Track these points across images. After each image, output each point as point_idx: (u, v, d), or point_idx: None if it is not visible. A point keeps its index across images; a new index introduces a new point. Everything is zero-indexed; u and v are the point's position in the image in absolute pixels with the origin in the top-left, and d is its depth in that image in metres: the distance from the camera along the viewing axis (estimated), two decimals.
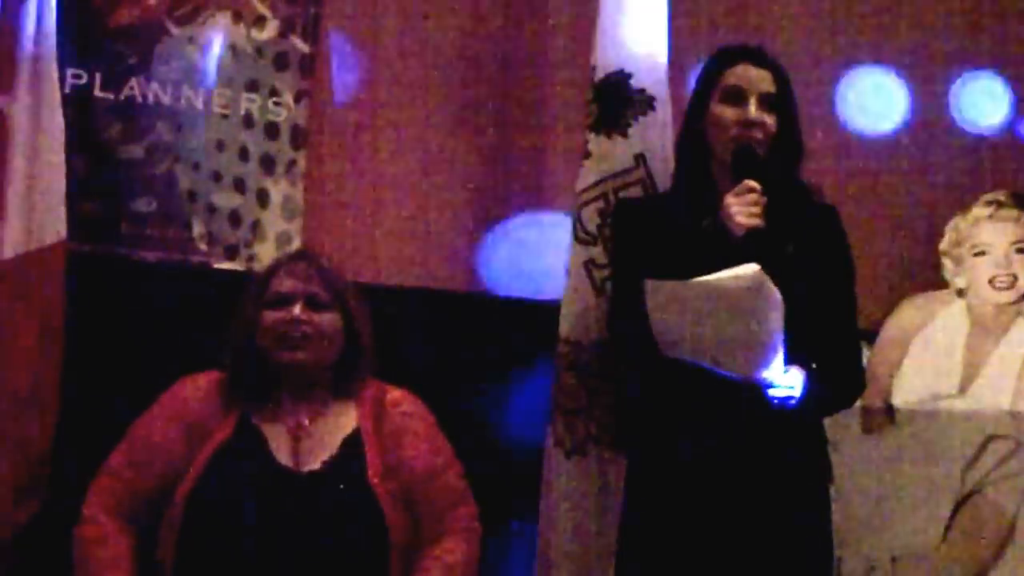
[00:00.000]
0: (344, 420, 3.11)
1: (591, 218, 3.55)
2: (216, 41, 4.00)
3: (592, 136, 3.58)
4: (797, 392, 3.03)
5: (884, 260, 4.25)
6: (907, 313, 3.93)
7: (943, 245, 3.91)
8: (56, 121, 3.59)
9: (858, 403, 3.62)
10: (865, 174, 4.37)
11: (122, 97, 3.94)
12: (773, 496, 3.07)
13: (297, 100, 4.06)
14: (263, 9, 4.04)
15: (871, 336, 3.86)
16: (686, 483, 3.09)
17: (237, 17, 4.02)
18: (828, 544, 3.20)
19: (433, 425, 3.17)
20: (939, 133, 4.44)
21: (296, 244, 4.01)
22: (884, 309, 3.97)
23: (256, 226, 4.01)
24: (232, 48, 4.02)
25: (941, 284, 3.94)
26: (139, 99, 3.94)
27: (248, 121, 4.02)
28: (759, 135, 3.14)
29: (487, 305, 4.13)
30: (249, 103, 4.02)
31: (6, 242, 3.54)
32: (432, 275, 4.14)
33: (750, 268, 2.93)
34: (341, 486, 3.02)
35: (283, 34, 4.06)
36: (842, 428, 3.73)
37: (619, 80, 3.57)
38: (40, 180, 3.57)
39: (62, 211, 3.60)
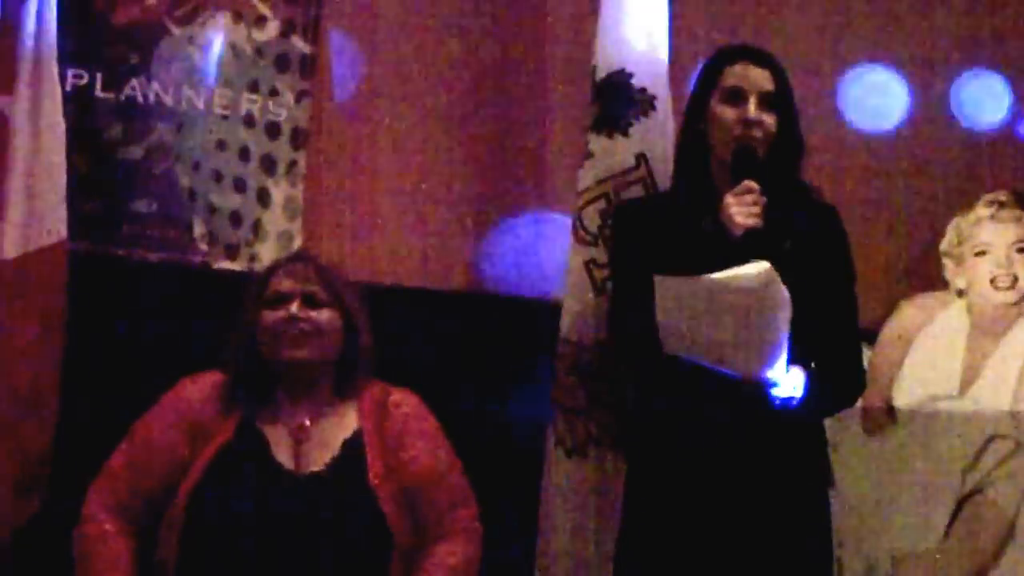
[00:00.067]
0: (345, 421, 3.11)
1: (592, 218, 3.55)
2: (217, 41, 4.00)
3: (593, 136, 3.58)
4: (798, 392, 3.03)
5: (884, 260, 4.25)
6: (907, 313, 3.93)
7: (944, 245, 3.91)
8: (57, 121, 3.58)
9: (858, 403, 3.62)
10: (865, 174, 4.37)
11: (123, 97, 3.93)
12: (773, 497, 3.08)
13: (298, 100, 4.06)
14: (264, 9, 4.04)
15: (871, 336, 3.85)
16: (686, 483, 3.10)
17: (238, 17, 4.02)
18: (828, 544, 3.20)
19: (435, 426, 3.17)
20: (939, 133, 4.43)
21: (297, 244, 4.01)
22: (884, 309, 3.97)
23: (257, 226, 4.01)
24: (233, 48, 4.01)
25: (942, 284, 3.94)
26: (140, 99, 3.94)
27: (249, 121, 4.02)
28: (759, 134, 3.15)
29: (487, 305, 4.13)
30: (250, 103, 4.02)
31: (7, 242, 3.54)
32: (432, 275, 4.14)
33: (760, 266, 2.94)
34: (342, 488, 3.02)
35: (284, 34, 4.06)
36: (842, 428, 3.73)
37: (620, 80, 3.57)
38: (41, 180, 3.57)
39: (63, 211, 3.59)
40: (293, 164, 4.05)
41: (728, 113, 3.17)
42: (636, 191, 3.52)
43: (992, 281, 3.79)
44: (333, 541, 2.98)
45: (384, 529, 3.02)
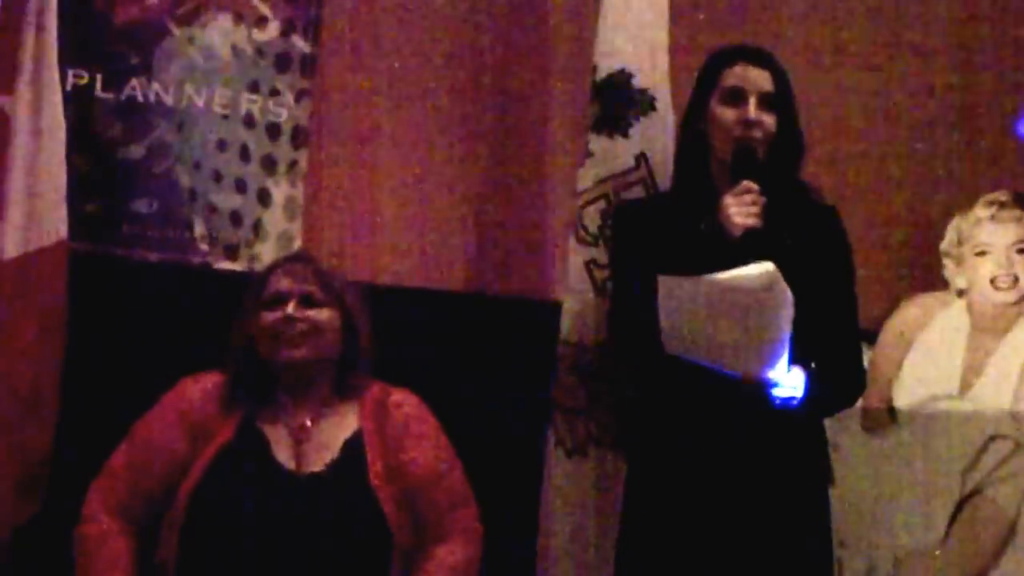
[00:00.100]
0: (346, 421, 3.12)
1: (592, 218, 3.55)
2: (217, 41, 4.00)
3: (593, 136, 3.58)
4: (799, 392, 3.04)
5: (884, 260, 4.25)
6: (908, 313, 3.93)
7: (944, 245, 3.91)
8: (57, 121, 3.59)
9: (859, 403, 3.62)
10: (865, 174, 4.36)
11: (123, 97, 3.93)
12: (773, 496, 3.08)
13: (298, 100, 4.06)
14: (264, 9, 4.04)
15: (872, 336, 3.86)
16: (686, 483, 3.10)
17: (238, 17, 4.02)
18: (828, 544, 3.21)
19: (435, 427, 3.18)
20: (939, 133, 4.43)
21: (297, 244, 4.01)
22: (885, 309, 3.97)
23: (257, 226, 4.01)
24: (233, 48, 4.01)
25: (942, 284, 3.94)
26: (140, 99, 3.94)
27: (249, 121, 4.02)
28: (758, 135, 3.15)
29: (487, 305, 4.13)
30: (250, 103, 4.02)
31: (7, 242, 3.54)
32: (432, 275, 4.14)
33: (764, 267, 2.94)
34: (342, 488, 3.02)
35: (284, 34, 4.06)
36: (843, 428, 3.73)
37: (620, 80, 3.57)
38: (41, 180, 3.57)
39: (63, 211, 3.59)
40: (293, 164, 4.05)
41: (728, 114, 3.17)
42: (636, 191, 3.52)
43: (992, 281, 3.79)
44: (333, 541, 2.98)
45: (384, 529, 3.02)
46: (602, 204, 3.54)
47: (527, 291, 4.15)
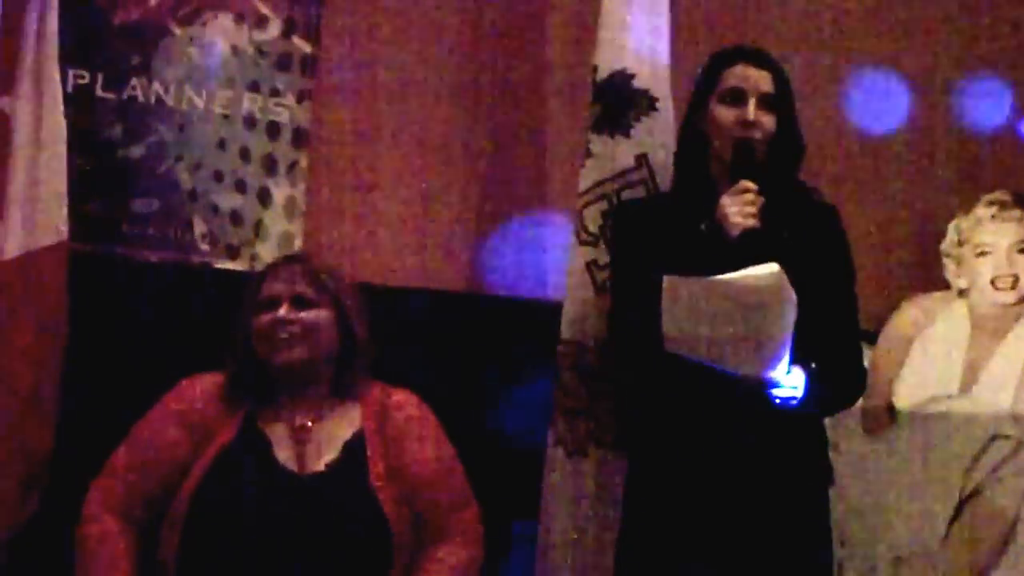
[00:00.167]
0: (347, 422, 3.12)
1: (593, 219, 3.55)
2: (218, 41, 4.00)
3: (594, 136, 3.58)
4: (799, 392, 3.04)
5: (885, 260, 4.25)
6: (908, 314, 3.93)
7: (944, 246, 3.91)
8: (58, 121, 3.58)
9: (859, 404, 3.62)
10: (865, 174, 4.36)
11: (124, 97, 3.93)
12: (773, 496, 3.08)
13: (299, 100, 4.06)
14: (265, 9, 4.04)
15: (872, 337, 3.85)
16: (686, 483, 3.10)
17: (239, 17, 4.02)
18: (828, 544, 3.21)
19: (436, 428, 3.18)
20: (939, 133, 4.43)
21: (298, 244, 4.01)
22: (885, 310, 3.97)
23: (258, 226, 4.01)
24: (234, 48, 4.01)
25: (943, 285, 3.94)
26: (141, 99, 3.94)
27: (250, 121, 4.02)
28: (758, 135, 3.16)
29: (487, 305, 4.13)
30: (251, 103, 4.02)
31: (8, 242, 3.54)
32: (432, 275, 4.13)
33: (771, 268, 2.95)
34: (343, 488, 3.02)
35: (285, 34, 4.06)
36: (843, 429, 3.73)
37: (621, 80, 3.57)
38: (42, 180, 3.57)
39: (64, 211, 3.59)
40: (294, 164, 4.05)
41: (727, 114, 3.17)
42: (637, 192, 3.53)
43: (993, 282, 3.79)
44: (334, 541, 2.98)
45: (385, 530, 3.02)
46: (603, 204, 3.54)
47: (527, 291, 4.15)
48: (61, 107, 3.59)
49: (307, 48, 4.07)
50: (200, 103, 3.98)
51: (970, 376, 3.81)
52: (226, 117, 4.00)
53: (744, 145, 3.14)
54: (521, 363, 3.82)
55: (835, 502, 3.27)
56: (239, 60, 4.02)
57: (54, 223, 3.58)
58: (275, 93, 4.04)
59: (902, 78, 4.40)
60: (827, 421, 3.29)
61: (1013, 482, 3.70)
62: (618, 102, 3.57)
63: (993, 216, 3.80)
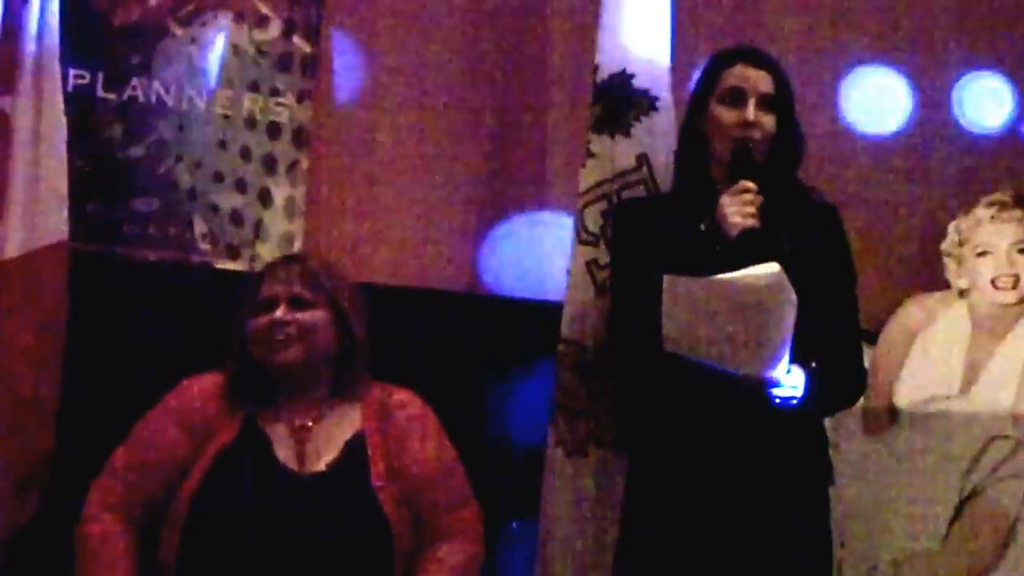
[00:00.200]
0: (348, 422, 3.11)
1: (593, 219, 3.55)
2: (218, 41, 4.00)
3: (594, 137, 3.58)
4: (798, 392, 3.04)
5: (885, 261, 4.25)
6: (909, 314, 3.93)
7: (945, 245, 3.91)
8: (58, 121, 3.59)
9: (860, 404, 3.62)
10: (865, 174, 4.36)
11: (124, 97, 3.94)
12: (773, 496, 3.08)
13: (299, 100, 4.07)
14: (265, 9, 4.04)
15: (873, 337, 3.85)
16: (686, 483, 3.10)
17: (239, 17, 4.02)
18: (828, 544, 3.21)
19: (437, 427, 3.17)
20: (940, 133, 4.43)
21: (298, 244, 4.02)
22: (886, 310, 3.97)
23: (258, 226, 4.01)
24: (234, 48, 4.02)
25: (943, 285, 3.94)
26: (141, 99, 3.95)
27: (250, 121, 4.02)
28: (757, 136, 3.16)
29: (487, 305, 4.13)
30: (251, 103, 4.02)
31: (8, 241, 3.54)
32: (432, 275, 4.13)
33: (771, 267, 2.94)
34: (344, 488, 3.02)
35: (285, 34, 4.06)
36: (844, 429, 3.73)
37: (622, 80, 3.57)
38: (42, 180, 3.57)
39: (64, 211, 3.59)
40: (294, 164, 4.06)
41: (727, 115, 3.18)
42: (638, 192, 3.52)
43: (994, 282, 3.79)
44: (335, 541, 2.98)
45: (386, 529, 3.02)
46: (603, 204, 3.54)
47: (527, 291, 4.15)
48: (61, 107, 3.60)
49: (307, 48, 4.08)
50: (200, 103, 3.99)
51: (970, 376, 3.81)
52: (226, 117, 4.00)
53: (742, 148, 3.14)
54: (521, 363, 3.82)
55: (835, 502, 3.27)
56: (239, 60, 4.02)
57: (54, 223, 3.58)
58: (275, 93, 4.05)
59: (902, 78, 4.40)
60: (827, 421, 3.29)
61: (1013, 482, 3.70)
62: (618, 102, 3.57)
63: (993, 216, 3.80)
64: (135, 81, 3.94)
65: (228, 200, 3.99)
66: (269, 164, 4.03)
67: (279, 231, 4.03)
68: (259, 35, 4.03)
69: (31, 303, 3.54)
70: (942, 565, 3.70)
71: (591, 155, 3.59)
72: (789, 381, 3.03)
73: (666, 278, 2.98)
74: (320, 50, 4.09)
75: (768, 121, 3.17)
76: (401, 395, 3.18)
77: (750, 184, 3.08)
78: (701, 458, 3.09)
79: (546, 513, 3.53)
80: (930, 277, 4.00)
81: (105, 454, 3.13)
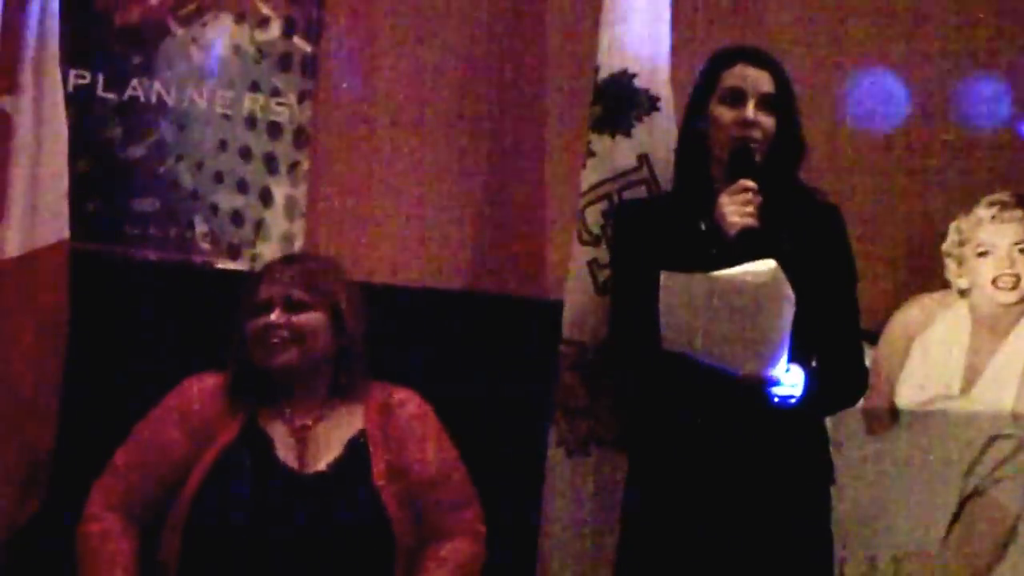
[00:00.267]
0: (349, 421, 3.12)
1: (594, 218, 3.56)
2: (219, 41, 4.00)
3: (595, 136, 3.59)
4: (797, 391, 3.04)
5: (886, 261, 4.25)
6: (910, 314, 3.93)
7: (946, 246, 3.91)
8: (59, 121, 3.58)
9: (861, 403, 3.62)
10: (865, 174, 4.36)
11: (125, 97, 3.93)
12: (774, 496, 3.08)
13: (300, 100, 4.07)
14: (266, 9, 4.04)
15: (873, 337, 3.86)
16: (687, 482, 3.10)
17: (240, 17, 4.02)
18: (829, 543, 3.21)
19: (439, 427, 3.18)
20: (939, 133, 4.43)
21: (299, 244, 4.01)
22: (886, 310, 3.97)
23: (259, 226, 4.01)
24: (235, 48, 4.02)
25: (944, 285, 3.94)
26: (142, 99, 3.94)
27: (251, 121, 4.02)
28: (757, 135, 3.16)
29: (487, 305, 4.13)
30: (252, 103, 4.02)
31: (9, 241, 3.54)
32: (432, 275, 4.13)
33: (768, 265, 2.95)
34: (346, 488, 3.02)
35: (286, 34, 4.06)
36: (844, 428, 3.73)
37: (623, 80, 3.58)
38: (43, 180, 3.57)
39: (65, 210, 3.59)
40: (295, 164, 4.05)
41: (727, 114, 3.18)
42: (638, 192, 3.53)
43: (994, 281, 3.80)
44: (336, 541, 2.99)
45: (388, 529, 3.02)
46: (604, 204, 3.55)
47: (527, 291, 4.15)
48: (62, 107, 3.59)
49: (308, 48, 4.08)
50: (201, 103, 3.99)
51: (971, 376, 3.81)
52: (227, 117, 4.00)
53: (741, 148, 3.14)
54: (520, 363, 3.82)
55: (835, 502, 3.27)
56: (240, 60, 4.02)
57: (54, 223, 3.58)
58: (276, 93, 4.05)
59: (902, 78, 4.40)
60: (828, 420, 3.29)
61: (1014, 482, 3.71)
62: (619, 102, 3.57)
63: (994, 216, 3.81)
64: (136, 81, 3.94)
65: (229, 200, 3.99)
66: (270, 164, 4.03)
67: (280, 231, 4.03)
68: (260, 35, 4.03)
69: (31, 303, 3.54)
70: (943, 564, 3.71)
71: (591, 155, 3.59)
72: (788, 380, 3.03)
73: (663, 274, 2.98)
74: (320, 50, 4.09)
75: (768, 121, 3.17)
76: (402, 395, 3.18)
77: (749, 183, 3.08)
78: (701, 458, 3.09)
79: (547, 513, 3.54)
80: (930, 277, 4.00)
81: (105, 454, 3.13)
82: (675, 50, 3.64)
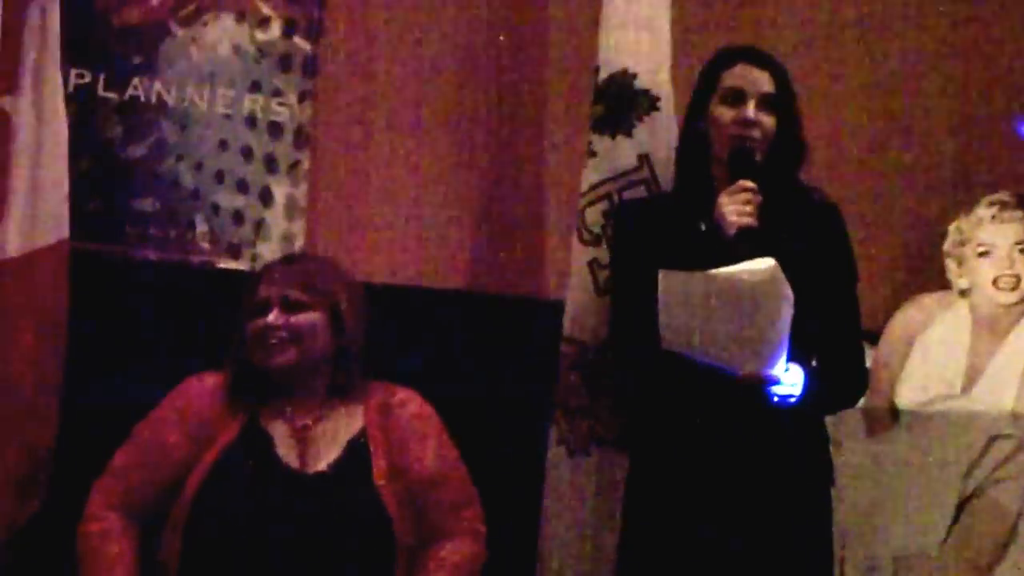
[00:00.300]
0: (350, 421, 3.12)
1: (594, 218, 3.56)
2: (219, 41, 4.01)
3: (595, 136, 3.59)
4: (797, 390, 3.04)
5: (886, 261, 4.25)
6: (910, 314, 3.93)
7: (946, 246, 3.91)
8: (60, 121, 3.58)
9: (861, 404, 3.62)
10: (865, 174, 4.36)
11: (125, 97, 3.94)
12: (774, 496, 3.08)
13: (300, 100, 4.07)
14: (266, 9, 4.04)
15: (874, 337, 3.85)
16: (687, 482, 3.10)
17: (240, 17, 4.02)
18: (829, 544, 3.21)
19: (439, 427, 3.18)
20: (939, 133, 4.43)
21: (299, 244, 4.01)
22: (887, 310, 3.97)
23: (259, 226, 4.01)
24: (235, 48, 4.02)
25: (944, 285, 3.94)
26: (142, 99, 3.94)
27: (251, 121, 4.02)
28: (757, 135, 3.16)
29: (487, 305, 4.13)
30: (252, 103, 4.02)
31: (9, 241, 3.54)
32: (432, 275, 4.13)
33: (766, 263, 2.95)
34: (347, 487, 3.02)
35: (286, 34, 4.06)
36: (845, 428, 3.73)
37: (623, 80, 3.58)
38: (43, 179, 3.56)
39: (65, 210, 3.59)
40: (295, 164, 4.05)
41: (727, 114, 3.18)
42: (639, 191, 3.53)
43: (995, 281, 3.79)
44: (337, 540, 2.99)
45: (388, 529, 3.02)
46: (604, 204, 3.55)
47: (527, 291, 4.15)
48: (62, 107, 3.59)
49: (308, 48, 4.08)
50: (201, 103, 3.99)
51: (971, 376, 3.81)
52: (227, 117, 4.00)
53: (740, 150, 3.14)
54: (522, 363, 3.82)
55: (835, 502, 3.27)
56: (240, 60, 4.02)
57: (55, 222, 3.58)
58: (276, 93, 4.05)
59: (902, 77, 4.40)
60: (828, 421, 3.29)
61: (1014, 482, 3.71)
62: (620, 102, 3.57)
63: (994, 216, 3.81)
64: (136, 81, 3.94)
65: (229, 200, 3.99)
66: (270, 164, 4.03)
67: (280, 231, 4.03)
68: (260, 35, 4.03)
69: (31, 303, 3.54)
70: (943, 565, 3.70)
71: (592, 155, 3.59)
72: (788, 379, 3.03)
73: (661, 273, 2.99)
74: (320, 50, 4.09)
75: (768, 121, 3.17)
76: (403, 394, 3.18)
77: (749, 183, 3.09)
78: (702, 457, 3.09)
79: (547, 513, 3.54)
80: (930, 277, 4.00)
81: (105, 454, 3.13)
82: (675, 50, 3.64)
